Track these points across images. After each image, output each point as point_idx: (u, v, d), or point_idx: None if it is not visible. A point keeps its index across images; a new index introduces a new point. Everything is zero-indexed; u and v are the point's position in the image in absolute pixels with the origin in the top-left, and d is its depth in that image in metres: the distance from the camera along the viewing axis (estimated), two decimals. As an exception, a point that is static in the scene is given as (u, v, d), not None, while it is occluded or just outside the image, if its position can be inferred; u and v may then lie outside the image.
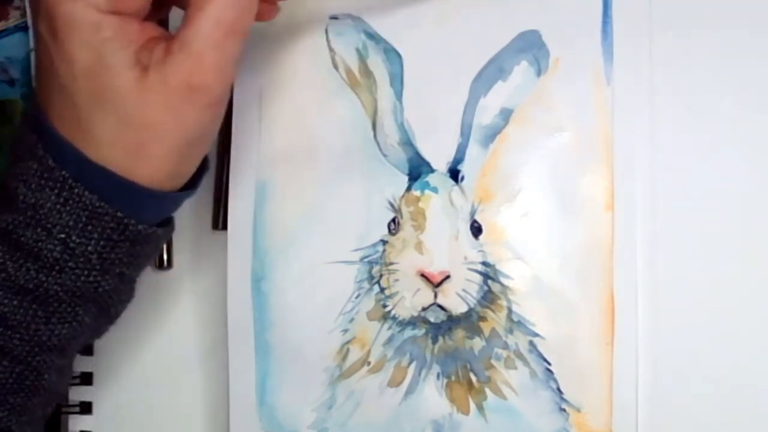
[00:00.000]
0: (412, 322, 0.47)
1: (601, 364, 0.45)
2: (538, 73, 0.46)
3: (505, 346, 0.46)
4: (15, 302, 0.40)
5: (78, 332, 0.42)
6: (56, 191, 0.39)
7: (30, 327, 0.40)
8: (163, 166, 0.40)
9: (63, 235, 0.39)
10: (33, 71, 0.52)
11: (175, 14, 0.43)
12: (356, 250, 0.47)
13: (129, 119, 0.39)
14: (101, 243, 0.40)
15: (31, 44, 0.52)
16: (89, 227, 0.39)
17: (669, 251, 0.45)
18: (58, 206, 0.39)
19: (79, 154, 0.39)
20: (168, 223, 0.44)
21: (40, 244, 0.39)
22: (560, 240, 0.45)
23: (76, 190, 0.39)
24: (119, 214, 0.40)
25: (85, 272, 0.40)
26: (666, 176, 0.45)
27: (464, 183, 0.46)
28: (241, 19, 0.39)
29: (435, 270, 0.46)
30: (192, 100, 0.39)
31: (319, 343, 0.47)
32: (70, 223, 0.39)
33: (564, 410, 0.45)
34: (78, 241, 0.39)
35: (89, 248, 0.40)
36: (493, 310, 0.46)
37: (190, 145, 0.40)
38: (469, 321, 0.46)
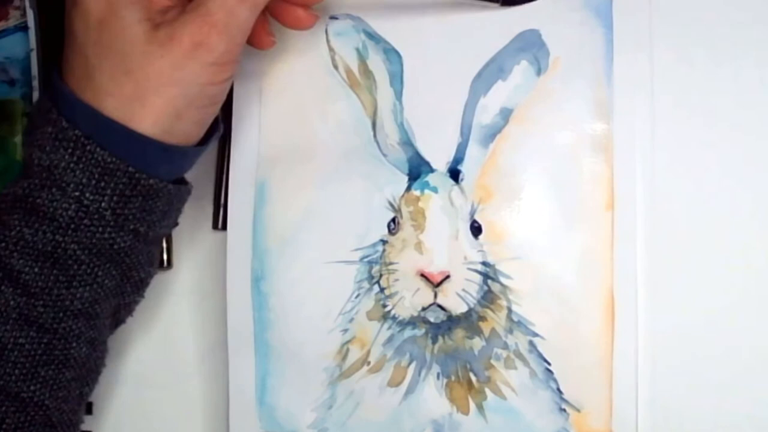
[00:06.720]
0: (412, 322, 0.47)
1: (601, 364, 0.44)
2: (538, 72, 0.46)
3: (505, 346, 0.46)
4: (36, 269, 0.41)
5: (100, 296, 0.42)
6: (69, 150, 0.40)
7: (52, 292, 0.41)
8: (160, 119, 0.40)
9: (77, 193, 0.40)
10: (33, 71, 0.52)
11: None
12: (356, 249, 0.47)
13: (131, 68, 0.40)
14: (114, 198, 0.41)
15: (31, 44, 0.52)
16: (102, 183, 0.40)
17: (669, 251, 0.45)
18: (71, 165, 0.40)
19: (88, 110, 0.40)
20: (182, 182, 0.44)
21: (54, 203, 0.40)
22: (560, 240, 0.45)
23: (89, 147, 0.40)
24: (131, 168, 0.40)
25: (100, 229, 0.41)
26: (666, 176, 0.45)
27: (464, 183, 0.46)
28: None
29: (435, 270, 0.46)
30: (194, 56, 0.40)
31: (319, 343, 0.47)
32: (84, 180, 0.40)
33: (564, 410, 0.45)
34: (92, 198, 0.40)
35: (103, 204, 0.41)
36: (493, 310, 0.46)
37: (189, 103, 0.41)
38: (469, 321, 0.46)
